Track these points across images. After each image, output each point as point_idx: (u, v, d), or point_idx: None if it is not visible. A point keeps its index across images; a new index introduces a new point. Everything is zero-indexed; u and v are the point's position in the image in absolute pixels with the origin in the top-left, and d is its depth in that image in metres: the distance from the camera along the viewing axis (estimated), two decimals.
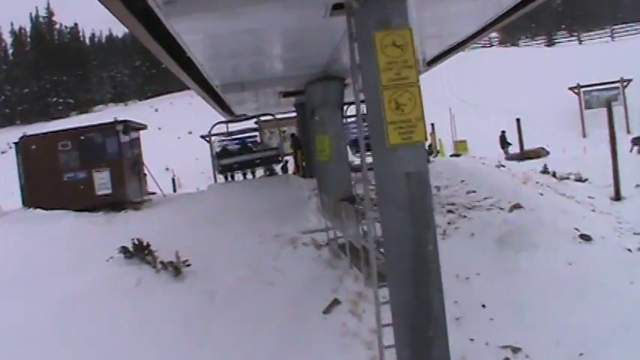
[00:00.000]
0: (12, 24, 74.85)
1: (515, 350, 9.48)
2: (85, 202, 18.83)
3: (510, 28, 61.66)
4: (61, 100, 69.21)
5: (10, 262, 13.74)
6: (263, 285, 11.88)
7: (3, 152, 54.48)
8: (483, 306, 10.53)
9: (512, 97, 49.12)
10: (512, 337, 9.66)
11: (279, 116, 25.29)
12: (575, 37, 68.97)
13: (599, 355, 9.15)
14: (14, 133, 62.26)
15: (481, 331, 9.93)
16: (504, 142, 32.29)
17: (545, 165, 20.32)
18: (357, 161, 19.98)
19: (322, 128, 15.04)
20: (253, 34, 10.49)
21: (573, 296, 10.45)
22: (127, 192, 19.33)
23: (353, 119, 24.92)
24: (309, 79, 14.98)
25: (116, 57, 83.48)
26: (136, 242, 13.18)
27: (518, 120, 28.95)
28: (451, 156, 24.83)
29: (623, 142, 24.88)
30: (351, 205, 10.99)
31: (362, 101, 7.57)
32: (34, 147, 19.35)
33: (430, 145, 28.19)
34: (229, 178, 23.96)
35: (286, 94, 18.02)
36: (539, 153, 25.88)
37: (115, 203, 19.03)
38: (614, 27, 64.22)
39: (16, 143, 19.83)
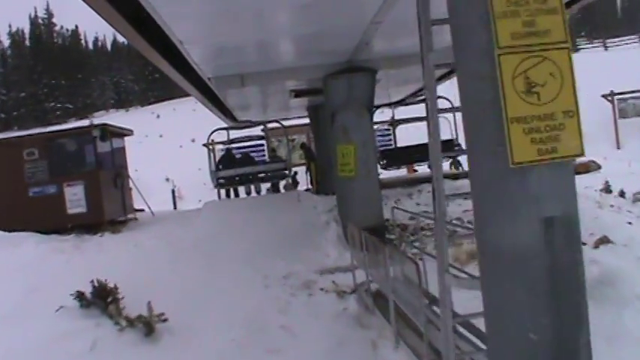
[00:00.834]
0: (10, 25, 72.03)
1: None
2: (54, 222, 15.71)
3: None
4: (59, 105, 66.01)
5: None
6: (266, 354, 8.45)
7: None
8: None
9: None
10: None
11: (287, 123, 21.83)
12: (599, 43, 65.48)
13: None
14: None
15: None
16: None
17: (607, 182, 16.82)
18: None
19: (345, 136, 11.68)
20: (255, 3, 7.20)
21: None
22: (104, 210, 16.03)
23: (381, 126, 21.73)
24: (328, 71, 11.61)
25: (120, 62, 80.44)
26: (97, 285, 9.79)
27: None
28: None
29: None
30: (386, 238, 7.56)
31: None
32: None
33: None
34: (231, 194, 20.64)
35: (299, 94, 14.66)
36: (589, 167, 22.31)
37: (90, 224, 15.77)
38: None
39: None
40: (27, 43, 72.68)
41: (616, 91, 41.92)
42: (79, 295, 9.68)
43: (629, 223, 12.19)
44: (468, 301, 5.20)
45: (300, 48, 10.58)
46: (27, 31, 73.64)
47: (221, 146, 29.63)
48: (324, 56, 11.15)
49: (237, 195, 21.85)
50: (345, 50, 10.57)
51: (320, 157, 18.78)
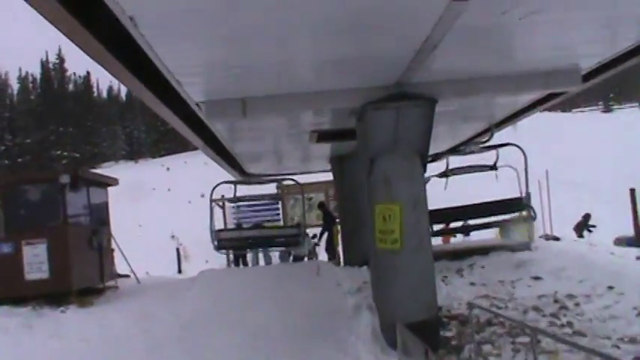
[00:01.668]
0: (20, 69, 69.99)
1: None
2: (8, 289, 12.60)
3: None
4: (65, 154, 63.32)
5: None
6: None
7: None
8: None
9: (576, 168, 42.36)
10: None
11: (304, 180, 18.29)
12: (635, 104, 62.83)
13: None
14: None
15: None
16: (583, 227, 24.73)
17: None
18: None
19: (388, 192, 8.28)
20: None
21: None
22: (72, 277, 12.72)
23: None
24: (369, 98, 8.23)
25: (134, 112, 78.18)
26: None
27: (632, 191, 21.67)
28: (547, 239, 17.68)
29: None
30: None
31: None
32: None
33: None
34: (240, 263, 17.42)
35: (322, 136, 11.38)
36: None
37: (54, 293, 12.50)
38: None
39: None
40: (37, 87, 70.39)
41: None
42: None
43: None
44: None
45: (329, 66, 7.26)
46: (37, 75, 71.61)
47: (230, 203, 26.59)
48: (363, 78, 7.88)
49: (245, 263, 18.51)
50: (396, 67, 7.27)
51: (346, 219, 15.40)
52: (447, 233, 16.77)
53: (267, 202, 27.38)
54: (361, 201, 14.64)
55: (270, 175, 17.99)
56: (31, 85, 70.46)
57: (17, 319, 11.47)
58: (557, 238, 16.72)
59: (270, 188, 20.10)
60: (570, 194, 33.66)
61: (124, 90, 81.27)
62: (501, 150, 14.25)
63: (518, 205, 14.10)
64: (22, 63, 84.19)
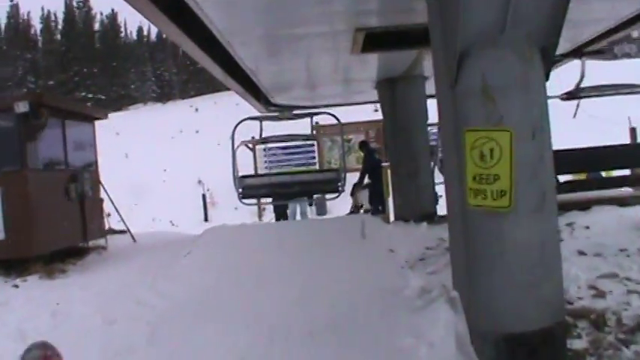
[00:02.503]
0: (42, 9, 66.44)
1: None
2: None
3: None
4: (90, 96, 60.18)
5: None
6: None
7: None
8: None
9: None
10: None
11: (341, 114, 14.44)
12: None
13: None
14: None
15: None
16: None
17: None
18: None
19: (490, 109, 4.75)
20: None
21: None
22: (34, 238, 9.61)
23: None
24: None
25: (165, 53, 74.57)
26: None
27: None
28: None
29: None
30: None
31: None
32: None
33: None
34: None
35: (371, 41, 7.85)
36: None
37: (13, 260, 9.50)
38: None
39: None
40: (60, 28, 67.03)
41: None
42: None
43: None
44: None
45: None
46: (60, 15, 68.10)
47: (261, 146, 23.78)
48: None
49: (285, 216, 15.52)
50: None
51: (398, 161, 11.90)
52: (580, 187, 11.26)
53: (300, 144, 24.27)
54: (418, 137, 11.23)
55: (303, 107, 14.49)
56: (53, 24, 67.04)
57: None
58: None
59: (304, 127, 16.53)
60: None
61: (154, 31, 77.72)
62: None
63: None
64: (44, 2, 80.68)
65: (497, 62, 4.84)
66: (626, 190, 11.24)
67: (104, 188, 12.62)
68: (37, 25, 67.74)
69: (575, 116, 10.58)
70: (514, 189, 4.75)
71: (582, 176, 12.35)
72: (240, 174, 13.03)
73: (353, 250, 8.40)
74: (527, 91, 4.88)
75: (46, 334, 6.73)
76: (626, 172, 11.87)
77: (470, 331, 5.25)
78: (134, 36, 76.81)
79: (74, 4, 67.58)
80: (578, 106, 10.66)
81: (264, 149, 29.30)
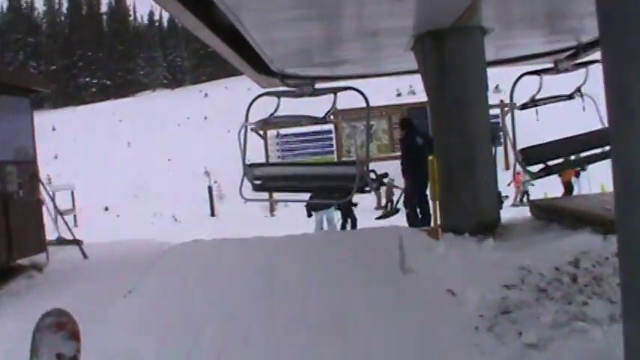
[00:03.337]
0: None
1: None
2: None
3: None
4: (95, 81, 56.96)
5: None
6: None
7: None
8: None
9: None
10: None
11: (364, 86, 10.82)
12: None
13: None
14: (40, 120, 51.51)
15: None
16: None
17: None
18: None
19: None
20: None
21: None
22: None
23: None
24: None
25: (177, 39, 71.43)
26: None
27: None
28: None
29: None
30: None
31: None
32: None
33: None
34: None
35: None
36: None
37: None
38: None
39: None
40: (64, 10, 63.81)
41: None
42: None
43: None
44: None
45: None
46: None
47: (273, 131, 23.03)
48: None
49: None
50: None
51: (447, 148, 8.44)
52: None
53: (317, 129, 21.00)
54: (476, 115, 7.93)
55: (324, 79, 11.06)
56: (57, 6, 63.80)
57: None
58: None
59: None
60: None
61: (166, 16, 74.48)
62: None
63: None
64: None
65: None
66: None
67: (45, 187, 9.38)
68: (40, 8, 64.72)
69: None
70: None
71: None
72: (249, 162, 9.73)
73: (387, 296, 5.07)
74: None
75: None
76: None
77: None
78: (145, 20, 73.86)
79: None
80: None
81: (278, 135, 26.27)
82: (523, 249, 6.61)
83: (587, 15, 6.91)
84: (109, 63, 59.20)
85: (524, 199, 21.97)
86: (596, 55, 9.05)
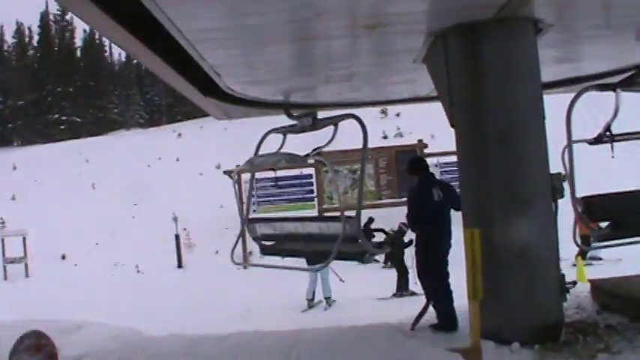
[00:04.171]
0: (17, 22, 60.42)
1: None
2: None
3: None
4: (63, 118, 53.96)
5: None
6: None
7: None
8: None
9: None
10: None
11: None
12: None
13: None
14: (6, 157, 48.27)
15: None
16: None
17: None
18: None
19: None
20: None
21: None
22: None
23: None
24: None
25: (153, 77, 68.89)
26: None
27: None
28: None
29: None
30: None
31: None
32: None
33: None
34: None
35: None
36: None
37: None
38: None
39: None
40: (34, 42, 61.14)
41: None
42: None
43: None
44: None
45: None
46: (35, 29, 62.38)
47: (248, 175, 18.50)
48: None
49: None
50: None
51: (481, 205, 5.59)
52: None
53: (296, 174, 22.20)
54: (531, 150, 5.28)
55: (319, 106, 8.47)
56: (27, 39, 61.08)
57: None
58: None
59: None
60: None
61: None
62: None
63: None
64: (20, 15, 75.17)
65: None
66: None
67: None
68: (9, 41, 62.09)
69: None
70: None
71: None
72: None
73: None
74: None
75: None
76: None
77: None
78: (122, 57, 71.44)
79: (51, 17, 61.67)
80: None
81: (253, 180, 23.58)
82: None
83: None
84: (80, 99, 56.36)
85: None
86: None
